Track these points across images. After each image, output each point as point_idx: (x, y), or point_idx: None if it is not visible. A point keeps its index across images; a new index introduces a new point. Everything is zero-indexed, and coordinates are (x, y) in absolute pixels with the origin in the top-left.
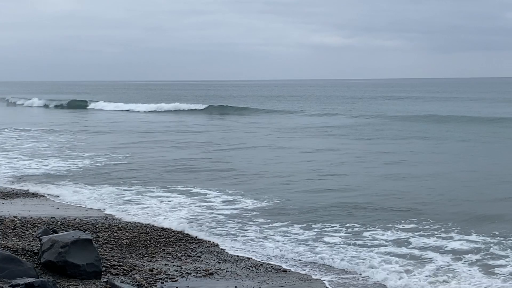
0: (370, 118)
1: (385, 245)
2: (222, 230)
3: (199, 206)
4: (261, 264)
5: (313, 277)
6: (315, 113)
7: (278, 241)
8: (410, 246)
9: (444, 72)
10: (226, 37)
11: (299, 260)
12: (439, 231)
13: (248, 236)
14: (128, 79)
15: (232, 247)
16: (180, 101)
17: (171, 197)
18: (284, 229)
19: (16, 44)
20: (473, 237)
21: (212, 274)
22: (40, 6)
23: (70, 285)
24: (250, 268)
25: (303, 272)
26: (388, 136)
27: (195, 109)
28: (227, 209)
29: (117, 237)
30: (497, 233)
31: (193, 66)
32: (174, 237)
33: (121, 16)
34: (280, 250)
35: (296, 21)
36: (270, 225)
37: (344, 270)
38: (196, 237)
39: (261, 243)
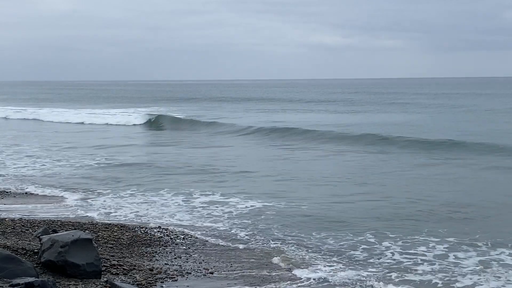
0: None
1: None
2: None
3: None
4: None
5: None
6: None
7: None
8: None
9: (444, 72)
10: (225, 37)
11: None
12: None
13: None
14: (128, 79)
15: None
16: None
17: None
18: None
19: (16, 44)
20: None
21: (212, 273)
22: (40, 6)
23: (70, 284)
24: None
25: None
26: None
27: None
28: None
29: (117, 236)
30: None
31: (193, 66)
32: None
33: (121, 16)
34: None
35: (295, 21)
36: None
37: None
38: None
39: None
